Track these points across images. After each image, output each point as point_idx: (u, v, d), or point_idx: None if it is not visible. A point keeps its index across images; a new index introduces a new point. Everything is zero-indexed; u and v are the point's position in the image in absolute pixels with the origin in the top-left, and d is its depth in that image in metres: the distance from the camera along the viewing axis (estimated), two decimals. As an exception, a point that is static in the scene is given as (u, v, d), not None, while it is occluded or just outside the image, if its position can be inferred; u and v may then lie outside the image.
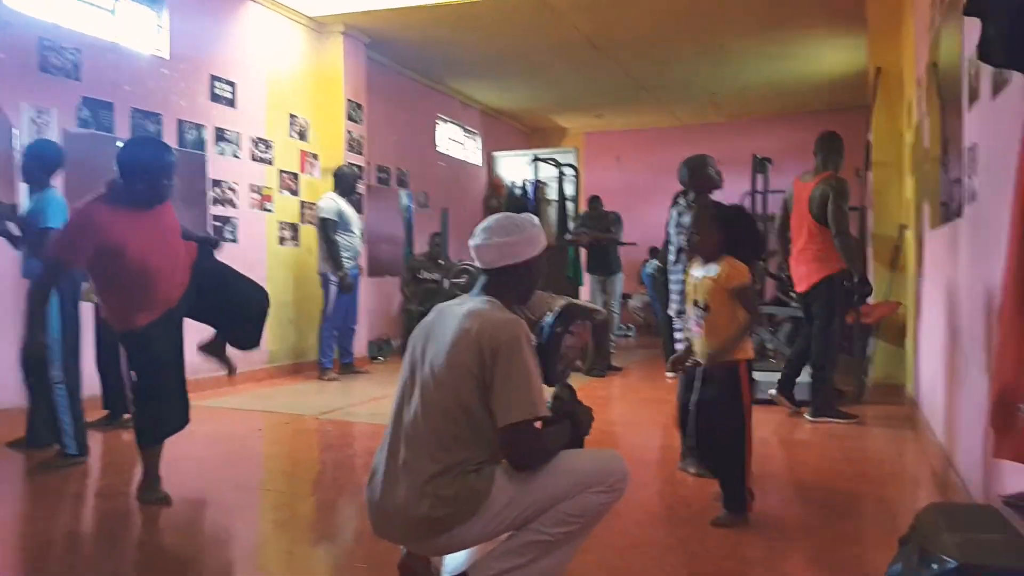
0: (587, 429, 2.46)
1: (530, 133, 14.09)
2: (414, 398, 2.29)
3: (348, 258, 7.50)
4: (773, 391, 5.70)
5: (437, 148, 11.28)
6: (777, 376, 5.76)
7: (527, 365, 2.18)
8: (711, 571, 2.87)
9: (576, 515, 2.21)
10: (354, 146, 8.57)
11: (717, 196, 4.53)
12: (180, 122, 6.74)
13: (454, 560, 2.64)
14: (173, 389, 3.68)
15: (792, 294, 6.26)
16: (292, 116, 8.08)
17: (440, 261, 9.70)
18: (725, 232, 3.39)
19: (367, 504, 2.35)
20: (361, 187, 8.42)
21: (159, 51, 6.68)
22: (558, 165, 10.63)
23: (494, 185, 11.74)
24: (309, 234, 8.10)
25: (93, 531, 3.50)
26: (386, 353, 9.17)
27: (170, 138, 6.57)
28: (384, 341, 9.31)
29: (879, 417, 5.64)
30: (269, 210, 7.73)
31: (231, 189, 7.25)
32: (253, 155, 7.54)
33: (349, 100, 8.46)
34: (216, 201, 7.09)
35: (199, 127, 6.93)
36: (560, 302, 2.57)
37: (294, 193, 8.09)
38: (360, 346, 8.42)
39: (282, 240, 7.89)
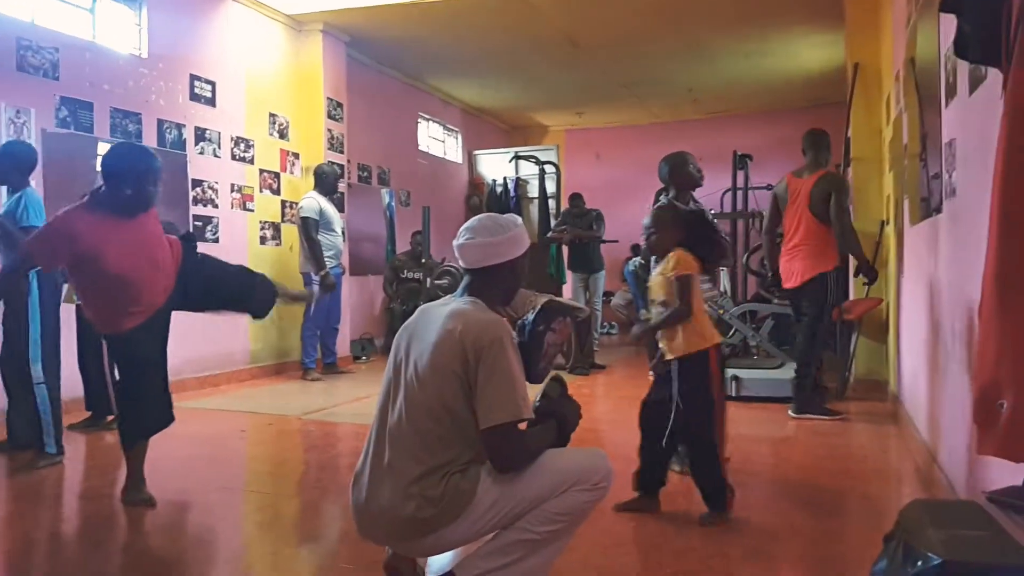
0: (574, 426, 2.46)
1: (510, 131, 14.09)
2: (398, 399, 2.28)
3: (330, 257, 7.46)
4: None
5: (418, 146, 11.26)
6: (762, 374, 5.74)
7: (511, 366, 2.18)
8: (696, 569, 2.87)
9: (561, 514, 2.22)
10: (335, 145, 8.53)
11: (698, 193, 4.54)
12: (160, 122, 6.68)
13: (440, 560, 2.63)
14: (156, 387, 3.69)
15: (775, 290, 6.27)
16: (272, 115, 8.03)
17: (423, 259, 9.68)
18: (684, 233, 3.40)
19: (352, 505, 2.34)
20: (342, 186, 8.38)
21: (138, 50, 6.63)
22: (539, 163, 10.61)
23: (475, 183, 11.71)
24: (291, 233, 8.05)
25: (77, 533, 3.47)
26: (369, 352, 9.13)
27: (150, 138, 6.53)
28: (367, 340, 9.27)
29: (862, 413, 5.68)
30: (250, 209, 7.68)
31: (212, 189, 7.20)
32: (234, 154, 7.49)
33: (329, 98, 8.42)
34: (197, 201, 7.04)
35: (179, 126, 6.88)
36: (542, 300, 2.57)
37: (275, 192, 8.04)
38: (343, 346, 8.38)
39: (264, 240, 7.84)
